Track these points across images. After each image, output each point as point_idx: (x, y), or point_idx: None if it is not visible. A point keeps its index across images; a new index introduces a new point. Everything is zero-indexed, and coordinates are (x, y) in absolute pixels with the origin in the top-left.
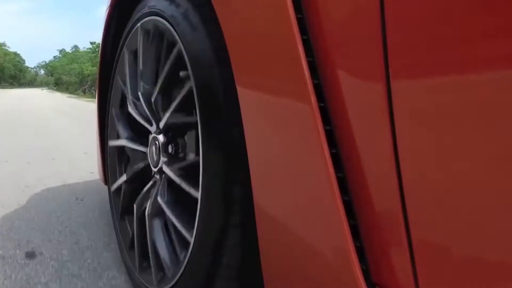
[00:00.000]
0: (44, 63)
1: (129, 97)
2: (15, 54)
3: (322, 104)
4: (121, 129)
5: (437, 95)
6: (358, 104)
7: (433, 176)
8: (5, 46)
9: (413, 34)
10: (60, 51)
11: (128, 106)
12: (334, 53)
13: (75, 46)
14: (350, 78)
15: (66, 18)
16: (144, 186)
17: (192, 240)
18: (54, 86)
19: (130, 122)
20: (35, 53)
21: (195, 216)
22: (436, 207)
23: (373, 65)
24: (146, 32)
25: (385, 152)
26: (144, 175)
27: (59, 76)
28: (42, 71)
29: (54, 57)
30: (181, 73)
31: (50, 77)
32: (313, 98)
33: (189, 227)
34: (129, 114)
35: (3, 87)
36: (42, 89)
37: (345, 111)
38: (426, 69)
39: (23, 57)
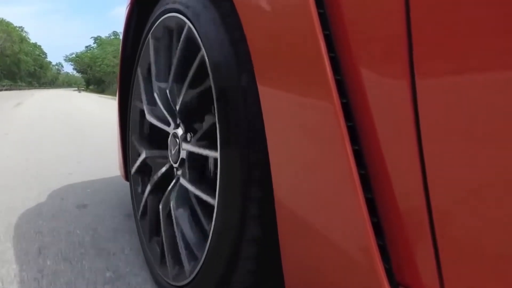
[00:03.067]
0: (73, 55)
1: (146, 106)
2: (35, 45)
3: (344, 100)
4: (142, 147)
5: (463, 91)
6: (382, 100)
7: (459, 174)
8: (22, 31)
9: (439, 30)
10: (95, 39)
11: (146, 115)
12: (356, 49)
13: (114, 33)
14: (373, 74)
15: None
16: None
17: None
18: (89, 86)
19: (150, 138)
20: (57, 50)
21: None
22: (462, 205)
23: (397, 61)
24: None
25: (409, 149)
26: (166, 180)
27: (106, 69)
28: (65, 68)
29: (86, 47)
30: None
31: (79, 74)
32: (335, 94)
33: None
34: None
35: (19, 88)
36: (80, 91)
37: (368, 107)
38: (452, 66)
39: (45, 50)
